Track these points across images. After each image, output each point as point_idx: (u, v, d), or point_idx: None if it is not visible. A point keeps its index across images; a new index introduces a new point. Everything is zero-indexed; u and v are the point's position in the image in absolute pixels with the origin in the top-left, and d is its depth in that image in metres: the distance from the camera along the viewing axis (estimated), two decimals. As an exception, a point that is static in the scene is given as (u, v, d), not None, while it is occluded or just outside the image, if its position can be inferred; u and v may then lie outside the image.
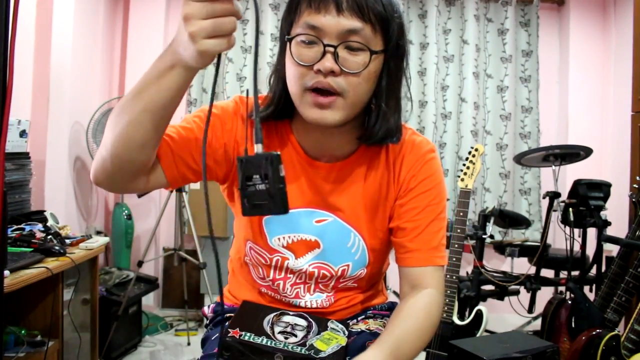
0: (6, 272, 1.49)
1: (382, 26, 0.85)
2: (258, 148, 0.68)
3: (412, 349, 0.90)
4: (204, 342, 1.10)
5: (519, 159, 2.75)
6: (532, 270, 2.63)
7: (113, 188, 0.87)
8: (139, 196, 2.83)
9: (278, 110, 0.95)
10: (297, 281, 1.02)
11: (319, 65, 0.82)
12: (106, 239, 2.21)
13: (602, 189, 2.38)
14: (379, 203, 0.99)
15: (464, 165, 2.21)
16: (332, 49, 0.82)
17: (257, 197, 0.68)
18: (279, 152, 0.68)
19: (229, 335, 0.87)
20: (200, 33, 0.66)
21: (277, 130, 0.99)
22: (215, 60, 0.71)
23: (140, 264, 2.74)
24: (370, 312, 1.12)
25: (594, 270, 2.43)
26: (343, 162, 0.98)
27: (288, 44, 0.86)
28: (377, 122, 0.91)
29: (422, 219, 0.97)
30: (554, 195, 2.52)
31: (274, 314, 0.97)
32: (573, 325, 2.00)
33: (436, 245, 0.98)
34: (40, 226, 1.93)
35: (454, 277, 2.07)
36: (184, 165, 0.89)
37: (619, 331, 1.72)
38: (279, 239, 1.00)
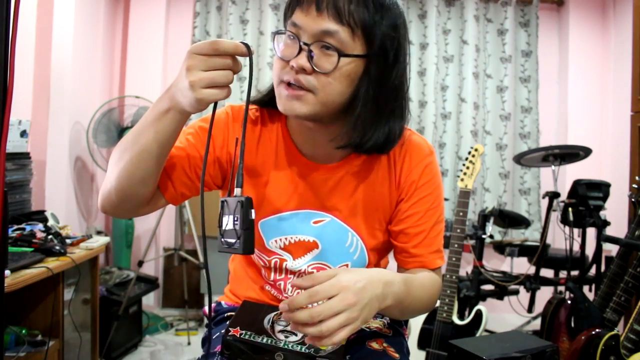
0: (7, 272, 1.49)
1: (363, 31, 0.84)
2: (237, 192, 0.76)
3: (418, 296, 0.93)
4: (204, 341, 1.10)
5: (519, 159, 2.75)
6: (532, 270, 2.63)
7: (119, 216, 0.96)
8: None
9: (267, 100, 0.98)
10: (298, 282, 1.03)
11: (293, 61, 0.84)
12: (106, 239, 2.21)
13: (602, 189, 2.39)
14: (378, 203, 1.00)
15: (464, 165, 2.21)
16: (306, 47, 0.83)
17: (229, 235, 0.75)
18: (250, 197, 0.74)
19: (229, 334, 0.87)
20: (199, 83, 0.74)
21: (271, 128, 1.00)
22: (212, 106, 0.80)
23: (140, 263, 2.74)
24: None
25: (593, 270, 2.44)
26: (340, 162, 0.98)
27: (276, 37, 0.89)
28: (355, 128, 0.88)
29: (424, 223, 1.00)
30: (553, 195, 2.53)
31: (275, 313, 0.98)
32: (572, 325, 2.01)
33: (437, 248, 1.02)
34: (40, 226, 1.93)
35: (454, 277, 2.08)
36: (181, 184, 0.93)
37: (618, 331, 1.72)
38: (275, 241, 1.00)
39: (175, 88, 0.77)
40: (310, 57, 0.83)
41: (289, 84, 0.85)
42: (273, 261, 1.02)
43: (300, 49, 0.83)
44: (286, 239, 0.99)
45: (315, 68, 0.83)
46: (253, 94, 0.89)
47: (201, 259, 2.82)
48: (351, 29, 0.83)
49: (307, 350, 0.85)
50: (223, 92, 0.75)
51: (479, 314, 2.10)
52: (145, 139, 0.81)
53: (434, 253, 1.01)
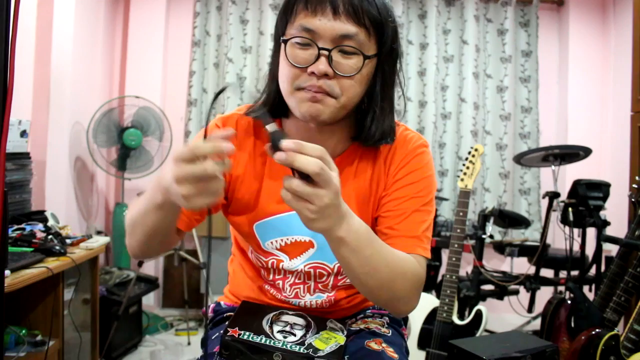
0: (7, 272, 1.49)
1: (376, 30, 0.86)
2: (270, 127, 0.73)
3: (384, 256, 0.84)
4: (203, 341, 1.10)
5: (519, 159, 2.75)
6: (532, 270, 2.63)
7: (150, 258, 1.03)
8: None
9: (271, 110, 0.95)
10: (296, 281, 1.03)
11: (312, 67, 0.83)
12: (106, 239, 2.21)
13: (602, 189, 2.39)
14: (370, 198, 0.99)
15: (464, 165, 2.21)
16: (326, 52, 0.83)
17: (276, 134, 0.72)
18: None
19: (228, 334, 0.87)
20: (190, 196, 0.69)
21: (264, 134, 0.99)
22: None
23: (140, 263, 2.74)
24: (370, 311, 1.12)
25: (593, 270, 2.44)
26: (335, 160, 0.98)
27: (283, 44, 0.88)
28: (372, 124, 0.92)
29: (405, 207, 0.95)
30: (553, 195, 2.53)
31: (273, 313, 0.98)
32: (572, 325, 2.01)
33: (419, 234, 0.94)
34: (40, 226, 1.93)
35: (454, 277, 2.08)
36: (192, 214, 0.96)
37: (618, 331, 1.72)
38: (272, 242, 1.00)
39: (166, 190, 0.73)
40: (329, 62, 0.83)
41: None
42: (270, 262, 1.02)
43: (319, 55, 0.83)
44: (282, 240, 0.99)
45: (337, 72, 0.83)
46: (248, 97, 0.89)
47: (201, 259, 2.83)
48: (367, 30, 0.85)
49: (305, 351, 0.85)
50: (215, 197, 0.71)
51: (479, 314, 2.10)
52: (150, 221, 0.84)
53: (413, 238, 0.93)
